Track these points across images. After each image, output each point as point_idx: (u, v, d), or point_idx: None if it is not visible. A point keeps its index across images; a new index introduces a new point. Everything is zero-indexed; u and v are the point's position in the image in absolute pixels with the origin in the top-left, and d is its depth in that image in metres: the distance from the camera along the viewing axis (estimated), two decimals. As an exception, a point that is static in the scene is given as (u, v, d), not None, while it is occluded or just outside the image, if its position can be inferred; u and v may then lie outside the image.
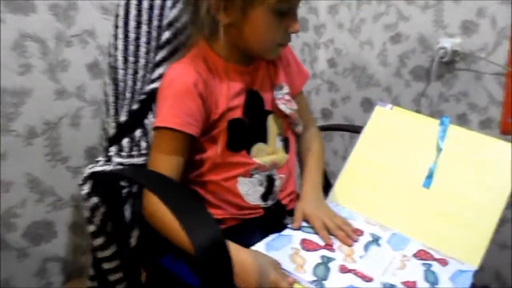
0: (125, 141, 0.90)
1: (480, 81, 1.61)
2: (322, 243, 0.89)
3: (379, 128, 1.08)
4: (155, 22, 0.96)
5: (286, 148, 1.04)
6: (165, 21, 0.97)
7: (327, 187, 1.26)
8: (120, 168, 0.87)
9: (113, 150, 0.89)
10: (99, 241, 0.89)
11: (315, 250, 0.87)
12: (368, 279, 0.81)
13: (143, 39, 0.94)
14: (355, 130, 1.35)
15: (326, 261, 0.85)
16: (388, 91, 1.84)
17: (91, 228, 0.88)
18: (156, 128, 0.89)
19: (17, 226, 1.22)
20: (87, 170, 0.85)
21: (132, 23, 0.93)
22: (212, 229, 0.64)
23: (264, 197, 0.98)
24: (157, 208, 0.79)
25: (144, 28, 0.94)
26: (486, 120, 1.62)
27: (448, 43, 1.61)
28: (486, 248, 0.84)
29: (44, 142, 1.25)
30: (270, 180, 0.99)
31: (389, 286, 0.80)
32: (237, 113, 0.94)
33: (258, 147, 0.97)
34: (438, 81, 1.70)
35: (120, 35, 0.92)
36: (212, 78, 0.92)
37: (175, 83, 0.89)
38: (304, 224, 0.94)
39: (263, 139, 0.99)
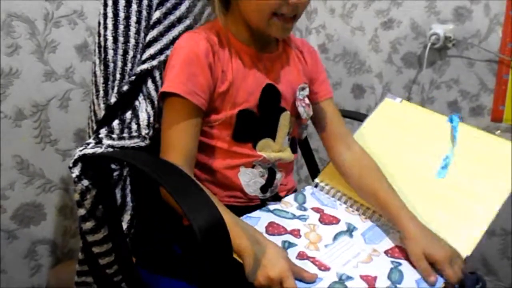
0: (116, 123, 0.89)
1: (472, 68, 1.61)
2: (290, 228, 0.87)
3: (385, 117, 1.09)
4: (145, 1, 0.94)
5: (294, 148, 1.02)
6: (155, 0, 0.95)
7: (315, 172, 1.28)
8: (111, 150, 0.86)
9: (103, 132, 0.88)
10: (89, 224, 0.88)
11: (279, 234, 0.86)
12: (324, 268, 0.79)
13: (133, 18, 0.92)
14: (353, 115, 1.36)
15: (286, 246, 0.83)
16: (379, 78, 1.84)
17: (81, 211, 0.86)
18: (164, 98, 0.87)
19: (6, 208, 1.22)
20: (77, 153, 0.83)
21: (121, 2, 0.91)
22: (212, 211, 0.63)
23: (264, 189, 0.96)
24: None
25: (134, 7, 0.92)
26: (477, 107, 1.62)
27: (440, 29, 1.61)
28: (480, 238, 0.85)
29: (33, 124, 1.24)
30: (272, 173, 0.97)
31: (345, 277, 0.78)
32: (249, 104, 0.91)
33: (265, 142, 0.94)
34: (430, 68, 1.70)
35: (110, 14, 0.90)
36: (223, 52, 0.90)
37: (184, 51, 0.87)
38: (278, 207, 0.94)
39: (272, 135, 0.95)
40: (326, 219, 0.93)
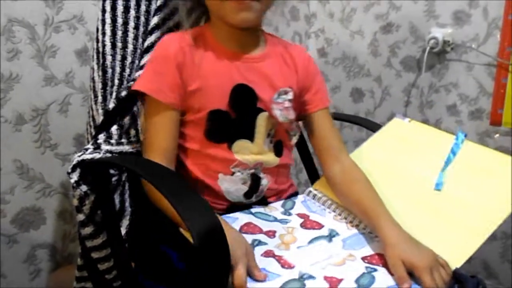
0: (114, 129, 0.90)
1: (470, 71, 1.62)
2: (266, 229, 0.86)
3: (392, 134, 1.08)
4: (143, 7, 0.95)
5: (278, 151, 0.98)
6: (153, 6, 0.96)
7: (314, 176, 1.27)
8: (110, 156, 0.87)
9: (101, 137, 0.88)
10: (88, 230, 0.88)
11: (252, 233, 0.84)
12: (288, 267, 0.76)
13: (131, 24, 0.93)
14: (352, 119, 1.36)
15: (255, 244, 0.81)
16: (378, 81, 1.84)
17: (80, 217, 0.87)
18: (140, 95, 0.90)
19: (6, 212, 1.22)
20: (76, 158, 0.84)
21: (120, 8, 0.92)
22: (209, 216, 0.64)
23: (248, 195, 0.94)
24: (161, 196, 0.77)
25: (132, 12, 0.93)
26: (476, 110, 1.63)
27: (439, 33, 1.62)
28: (472, 253, 0.82)
29: (33, 129, 1.24)
30: (256, 179, 0.95)
31: (306, 276, 0.74)
32: (221, 104, 0.90)
33: (241, 143, 0.92)
34: (429, 72, 1.70)
35: (108, 20, 0.91)
36: (196, 51, 0.90)
37: (155, 52, 0.90)
38: (262, 210, 0.93)
39: (249, 137, 0.93)
40: (309, 224, 0.91)
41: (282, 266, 0.76)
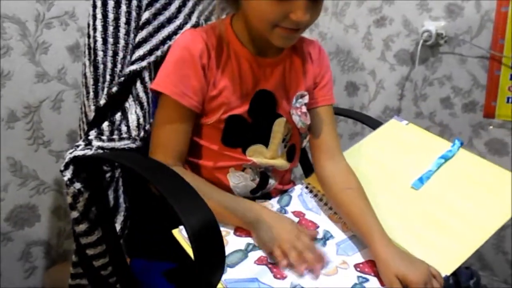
0: (105, 125, 0.89)
1: (464, 64, 1.62)
2: None
3: (388, 135, 1.07)
4: (134, 2, 0.94)
5: (290, 156, 0.99)
6: (144, 1, 0.95)
7: (308, 169, 1.27)
8: (102, 152, 0.86)
9: (93, 133, 0.88)
10: (82, 227, 0.88)
11: (247, 236, 0.83)
12: (280, 277, 0.76)
13: (122, 19, 0.92)
14: (346, 113, 1.36)
15: (249, 249, 0.80)
16: (372, 75, 1.84)
17: (74, 214, 0.87)
18: (158, 93, 0.87)
19: (0, 210, 1.21)
20: (68, 155, 0.83)
21: (111, 3, 0.91)
22: (205, 211, 0.63)
23: (254, 192, 0.95)
24: None
25: (123, 7, 0.92)
26: (470, 103, 1.63)
27: (432, 26, 1.62)
28: (463, 261, 0.82)
29: (26, 126, 1.23)
30: (265, 177, 0.95)
31: None
32: (240, 110, 0.89)
33: (255, 148, 0.92)
34: (423, 65, 1.71)
35: (99, 15, 0.90)
36: (220, 55, 0.88)
37: (179, 49, 0.87)
38: None
39: (265, 141, 0.93)
40: (304, 224, 0.89)
41: (275, 277, 0.76)
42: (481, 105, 1.61)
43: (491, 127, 1.60)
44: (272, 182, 0.96)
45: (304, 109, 0.93)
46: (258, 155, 0.93)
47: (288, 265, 0.78)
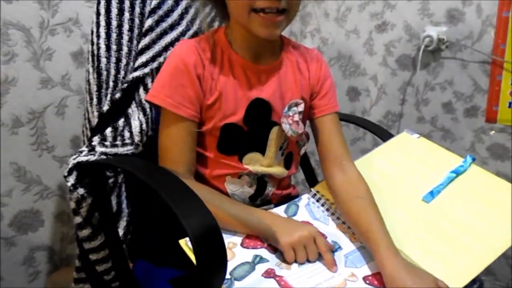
0: (108, 131, 0.90)
1: (465, 69, 1.62)
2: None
3: (399, 148, 1.06)
4: (137, 9, 0.95)
5: (288, 164, 0.99)
6: (147, 8, 0.96)
7: (310, 175, 1.28)
8: (106, 158, 0.87)
9: (96, 139, 0.89)
10: (85, 232, 0.88)
11: (254, 248, 0.82)
12: None
13: (125, 26, 0.93)
14: (348, 118, 1.36)
15: (256, 261, 0.79)
16: (374, 80, 1.85)
17: (78, 219, 0.87)
18: (155, 104, 0.87)
19: (4, 215, 1.22)
20: (71, 161, 0.84)
21: (114, 10, 0.92)
22: (207, 217, 0.64)
23: (253, 198, 0.95)
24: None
25: (126, 15, 0.93)
26: (472, 108, 1.63)
27: (433, 31, 1.62)
28: (473, 277, 0.80)
29: (30, 132, 1.24)
30: (262, 183, 0.95)
31: None
32: (235, 118, 0.89)
33: (252, 156, 0.92)
34: (424, 70, 1.71)
35: (102, 22, 0.91)
36: (214, 64, 0.88)
37: (174, 60, 0.87)
38: None
39: (261, 149, 0.93)
40: None
41: None
42: (482, 110, 1.61)
43: (492, 132, 1.60)
44: (270, 188, 0.97)
45: (296, 117, 0.91)
46: (255, 163, 0.93)
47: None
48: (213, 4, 0.94)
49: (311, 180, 1.30)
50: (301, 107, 0.92)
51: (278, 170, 0.96)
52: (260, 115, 0.92)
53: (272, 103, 0.92)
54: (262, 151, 0.93)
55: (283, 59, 0.95)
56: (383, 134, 1.15)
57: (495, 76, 1.56)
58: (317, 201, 0.97)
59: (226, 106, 0.88)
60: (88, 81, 0.93)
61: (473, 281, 0.86)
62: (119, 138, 0.90)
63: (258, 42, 0.88)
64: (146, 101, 0.89)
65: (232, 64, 0.90)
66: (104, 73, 0.91)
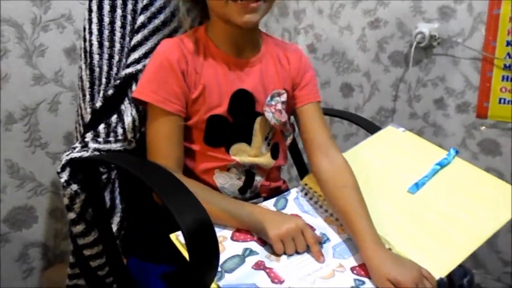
0: (101, 127, 0.90)
1: (457, 66, 1.64)
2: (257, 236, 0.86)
3: (385, 141, 1.08)
4: (129, 6, 0.95)
5: (275, 154, 1.00)
6: (139, 5, 0.96)
7: (303, 171, 1.29)
8: (99, 154, 0.87)
9: (89, 136, 0.89)
10: (79, 228, 0.89)
11: (244, 241, 0.84)
12: (278, 281, 0.76)
13: (118, 23, 0.93)
14: (341, 115, 1.37)
15: (246, 253, 0.81)
16: (367, 76, 1.86)
17: (71, 215, 0.88)
18: (142, 102, 0.89)
19: (-3, 212, 1.22)
20: (64, 157, 0.85)
21: (106, 7, 0.92)
22: (200, 212, 0.65)
23: (243, 190, 0.96)
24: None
25: (118, 11, 0.94)
26: (463, 104, 1.65)
27: (425, 28, 1.63)
28: (457, 265, 0.82)
29: (23, 128, 1.24)
30: (250, 175, 0.96)
31: None
32: (220, 109, 0.91)
33: (238, 147, 0.94)
34: (416, 66, 1.72)
35: (95, 19, 0.92)
36: (197, 58, 0.91)
37: (158, 58, 0.89)
38: None
39: (247, 140, 0.95)
40: None
41: (272, 281, 0.76)
42: (473, 106, 1.62)
43: (483, 127, 1.62)
44: (258, 178, 0.98)
45: (279, 106, 0.94)
46: (242, 153, 0.94)
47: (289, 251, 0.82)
48: (193, 3, 0.96)
49: (304, 176, 1.31)
50: (283, 97, 0.96)
51: (265, 160, 0.97)
52: (244, 106, 0.94)
53: (255, 94, 0.94)
54: (249, 142, 0.95)
55: (264, 52, 0.98)
56: (375, 131, 1.16)
57: (486, 72, 1.57)
58: (306, 194, 0.99)
59: (211, 99, 0.90)
60: (81, 77, 0.93)
61: (464, 275, 0.88)
62: (112, 134, 0.91)
63: (238, 35, 0.92)
64: (133, 98, 0.90)
65: (214, 58, 0.92)
66: (97, 69, 0.92)
